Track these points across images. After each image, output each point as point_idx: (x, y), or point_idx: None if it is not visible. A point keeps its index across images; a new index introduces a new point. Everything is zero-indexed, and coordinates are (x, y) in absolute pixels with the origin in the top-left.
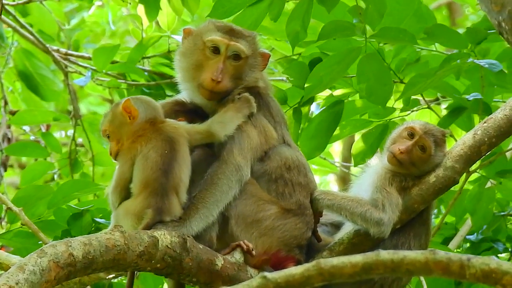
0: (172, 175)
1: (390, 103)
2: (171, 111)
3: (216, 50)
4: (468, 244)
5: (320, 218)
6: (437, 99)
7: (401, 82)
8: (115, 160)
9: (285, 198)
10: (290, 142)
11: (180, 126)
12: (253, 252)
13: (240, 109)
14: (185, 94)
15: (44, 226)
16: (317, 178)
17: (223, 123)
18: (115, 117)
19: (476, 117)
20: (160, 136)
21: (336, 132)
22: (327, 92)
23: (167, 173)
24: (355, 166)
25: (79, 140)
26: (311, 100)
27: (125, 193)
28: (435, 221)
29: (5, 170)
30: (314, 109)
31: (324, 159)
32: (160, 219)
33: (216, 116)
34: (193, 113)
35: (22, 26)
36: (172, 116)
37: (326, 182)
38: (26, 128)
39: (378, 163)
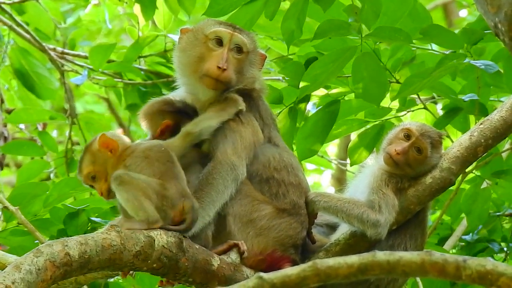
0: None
1: (386, 103)
2: (159, 111)
3: (219, 41)
4: (463, 243)
5: (315, 219)
6: (433, 97)
7: (397, 82)
8: (110, 198)
9: (279, 198)
10: (279, 142)
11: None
12: (245, 254)
13: (224, 108)
14: (183, 90)
15: (40, 225)
16: (313, 178)
17: (199, 120)
18: (96, 156)
19: (472, 118)
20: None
21: (332, 131)
22: (323, 92)
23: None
24: (351, 165)
25: (75, 139)
26: (306, 99)
27: None
28: (431, 219)
29: (1, 169)
30: (311, 108)
31: (322, 156)
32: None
33: (194, 119)
34: (181, 113)
35: (18, 25)
36: (159, 116)
37: (318, 184)
38: (21, 126)
39: (374, 163)
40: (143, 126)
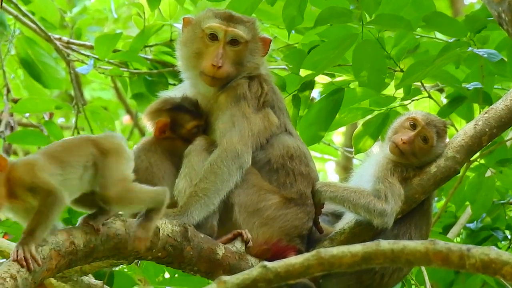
0: None
1: (390, 92)
2: (156, 111)
3: (214, 37)
4: (467, 231)
5: (322, 209)
6: (438, 85)
7: (401, 71)
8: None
9: (286, 188)
10: (292, 130)
11: None
12: (250, 244)
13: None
14: (187, 83)
15: None
16: (318, 166)
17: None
18: None
19: (476, 107)
20: None
21: (337, 119)
22: (327, 80)
23: None
24: (355, 154)
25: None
26: (310, 87)
27: None
28: (436, 206)
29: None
30: (316, 96)
31: (328, 144)
32: None
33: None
34: (179, 108)
35: (24, 14)
36: (157, 115)
37: (324, 171)
38: (26, 114)
39: (379, 152)
40: (147, 127)
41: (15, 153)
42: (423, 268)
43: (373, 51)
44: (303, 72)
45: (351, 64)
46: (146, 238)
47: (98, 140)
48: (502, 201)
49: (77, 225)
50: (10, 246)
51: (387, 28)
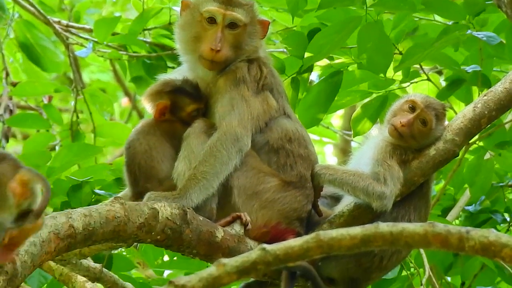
0: None
1: (389, 74)
2: (157, 93)
3: (212, 20)
4: (466, 214)
5: (321, 192)
6: (437, 67)
7: (400, 53)
8: None
9: (285, 170)
10: (291, 114)
11: None
12: (249, 226)
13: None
14: (186, 66)
15: None
16: (316, 149)
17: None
18: None
19: (475, 89)
20: None
21: (335, 102)
22: (325, 62)
23: None
24: (354, 136)
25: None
26: (309, 69)
27: None
28: (435, 189)
29: (7, 141)
30: (315, 78)
31: (328, 127)
32: None
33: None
34: (179, 91)
35: None
36: (157, 97)
37: (323, 153)
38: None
39: (378, 135)
40: (147, 109)
41: (14, 136)
42: (422, 250)
43: (377, 34)
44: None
45: (350, 47)
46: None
47: None
48: (501, 184)
49: None
50: None
51: (391, 10)
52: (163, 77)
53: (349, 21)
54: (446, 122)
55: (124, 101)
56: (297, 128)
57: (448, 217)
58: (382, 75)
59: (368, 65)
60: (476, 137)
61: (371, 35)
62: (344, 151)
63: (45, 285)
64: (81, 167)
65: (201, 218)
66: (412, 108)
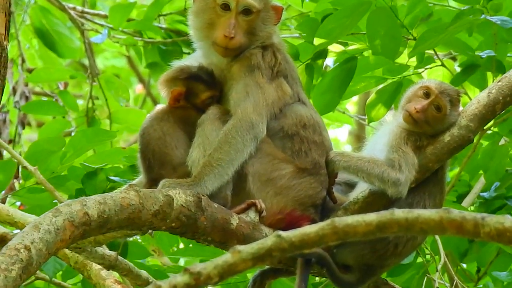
0: None
1: (403, 60)
2: (172, 79)
3: (226, 7)
4: (481, 200)
5: (336, 178)
6: (451, 53)
7: (414, 39)
8: None
9: (300, 157)
10: (305, 100)
11: None
12: (264, 213)
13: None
14: (199, 53)
15: (58, 182)
16: (331, 133)
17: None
18: None
19: (489, 75)
20: None
21: (350, 88)
22: (340, 48)
23: None
24: (368, 123)
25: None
26: (323, 55)
27: None
28: (449, 175)
29: (23, 128)
30: (330, 64)
31: (343, 112)
32: None
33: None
34: (195, 78)
35: None
36: (173, 84)
37: (336, 140)
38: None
39: (392, 121)
40: (162, 95)
41: (29, 124)
42: (437, 237)
43: (386, 18)
44: (316, 41)
45: (364, 32)
46: None
47: None
48: None
49: None
50: (24, 217)
51: None
52: (178, 63)
53: (359, 5)
54: (461, 108)
55: (139, 88)
56: (311, 114)
57: (463, 203)
58: (395, 61)
59: (382, 50)
60: (491, 123)
61: (380, 20)
62: (358, 138)
63: (60, 272)
64: (97, 151)
65: (215, 205)
66: (427, 94)
